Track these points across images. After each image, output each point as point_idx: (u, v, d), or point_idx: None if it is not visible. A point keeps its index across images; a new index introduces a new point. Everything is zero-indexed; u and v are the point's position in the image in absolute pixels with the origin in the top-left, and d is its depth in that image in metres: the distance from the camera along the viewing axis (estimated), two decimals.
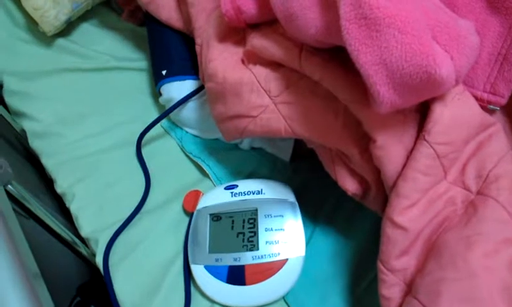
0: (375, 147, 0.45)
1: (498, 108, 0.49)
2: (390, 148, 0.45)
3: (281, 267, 0.57)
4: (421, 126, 0.46)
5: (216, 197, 0.64)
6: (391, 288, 0.45)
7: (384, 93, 0.40)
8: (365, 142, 0.48)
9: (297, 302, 0.58)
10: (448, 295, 0.39)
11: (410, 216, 0.44)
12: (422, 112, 0.46)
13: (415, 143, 0.45)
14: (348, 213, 0.64)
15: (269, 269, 0.57)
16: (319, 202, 0.65)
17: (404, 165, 0.45)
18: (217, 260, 0.59)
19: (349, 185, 0.52)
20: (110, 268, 0.63)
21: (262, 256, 0.58)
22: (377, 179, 0.49)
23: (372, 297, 0.53)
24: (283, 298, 0.58)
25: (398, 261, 0.45)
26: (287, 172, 0.69)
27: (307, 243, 0.60)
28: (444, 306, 0.39)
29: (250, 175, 0.69)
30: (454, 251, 0.41)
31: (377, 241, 0.47)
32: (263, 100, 0.54)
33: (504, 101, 0.49)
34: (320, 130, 0.51)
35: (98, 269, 0.66)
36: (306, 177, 0.68)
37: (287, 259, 0.57)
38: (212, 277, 0.58)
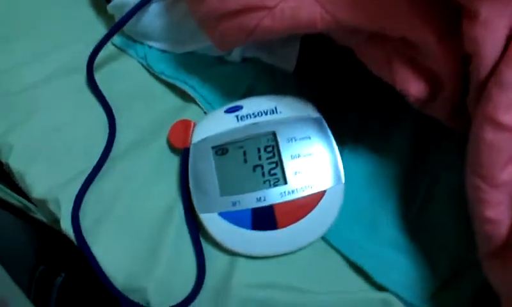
0: (476, 24, 0.33)
1: None
2: (494, 23, 0.33)
3: (319, 201, 0.45)
4: None
5: (216, 124, 0.49)
6: (498, 207, 0.35)
7: None
8: (445, 22, 0.36)
9: (340, 239, 0.46)
10: None
11: None
12: None
13: None
14: (380, 127, 0.52)
15: (305, 206, 0.45)
16: (340, 119, 0.52)
17: (504, 49, 0.34)
18: (234, 204, 0.45)
19: (413, 87, 0.40)
20: (84, 234, 0.47)
21: (292, 191, 0.45)
22: (456, 74, 0.38)
23: (427, 218, 0.45)
24: (323, 237, 0.47)
25: (504, 171, 0.34)
26: (291, 87, 0.55)
27: None
28: None
29: (246, 95, 0.54)
30: None
31: (420, 154, 0.40)
32: None
33: None
34: (378, 12, 0.37)
35: (54, 231, 0.51)
36: (317, 91, 0.54)
37: (325, 191, 0.46)
38: (232, 225, 0.45)
